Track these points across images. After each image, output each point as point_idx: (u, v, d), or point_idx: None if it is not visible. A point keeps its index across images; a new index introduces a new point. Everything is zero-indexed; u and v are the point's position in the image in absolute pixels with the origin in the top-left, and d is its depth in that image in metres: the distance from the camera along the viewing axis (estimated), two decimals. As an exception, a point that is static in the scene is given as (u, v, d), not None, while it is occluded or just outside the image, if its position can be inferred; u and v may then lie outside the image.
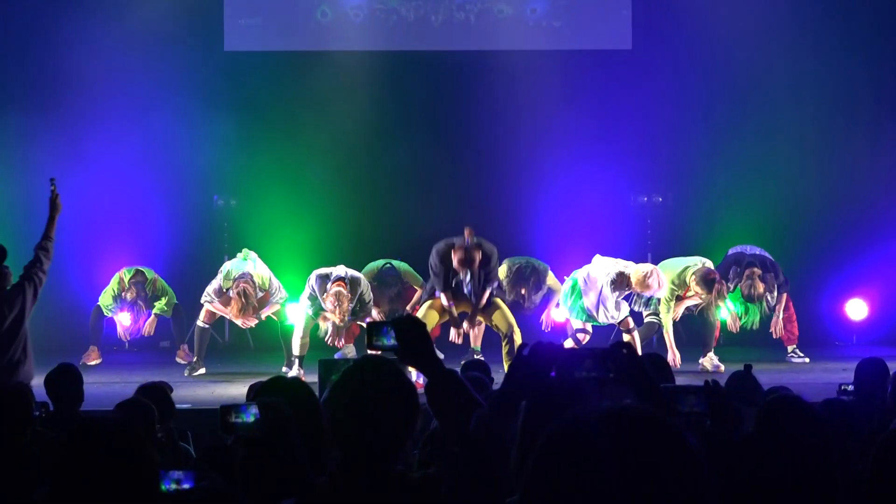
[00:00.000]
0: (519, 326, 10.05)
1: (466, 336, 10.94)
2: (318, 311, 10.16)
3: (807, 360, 11.09)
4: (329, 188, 12.66)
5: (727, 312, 10.95)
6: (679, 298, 10.66)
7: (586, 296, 10.17)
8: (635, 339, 10.09)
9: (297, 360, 10.21)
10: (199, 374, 10.60)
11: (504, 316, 9.95)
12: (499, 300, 10.02)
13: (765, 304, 10.99)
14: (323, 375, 7.59)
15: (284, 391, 3.68)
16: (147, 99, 12.54)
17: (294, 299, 10.88)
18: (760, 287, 10.93)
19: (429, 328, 9.05)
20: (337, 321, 9.99)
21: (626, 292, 10.18)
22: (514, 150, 12.79)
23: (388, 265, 11.22)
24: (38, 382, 6.93)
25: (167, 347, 12.21)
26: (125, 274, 11.43)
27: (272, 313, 10.89)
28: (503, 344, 9.88)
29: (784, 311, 11.16)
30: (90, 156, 12.53)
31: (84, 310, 11.76)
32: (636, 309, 10.78)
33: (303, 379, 7.02)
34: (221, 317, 11.04)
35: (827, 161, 12.82)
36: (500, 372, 8.52)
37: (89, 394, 7.09)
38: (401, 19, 13.24)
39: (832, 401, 5.57)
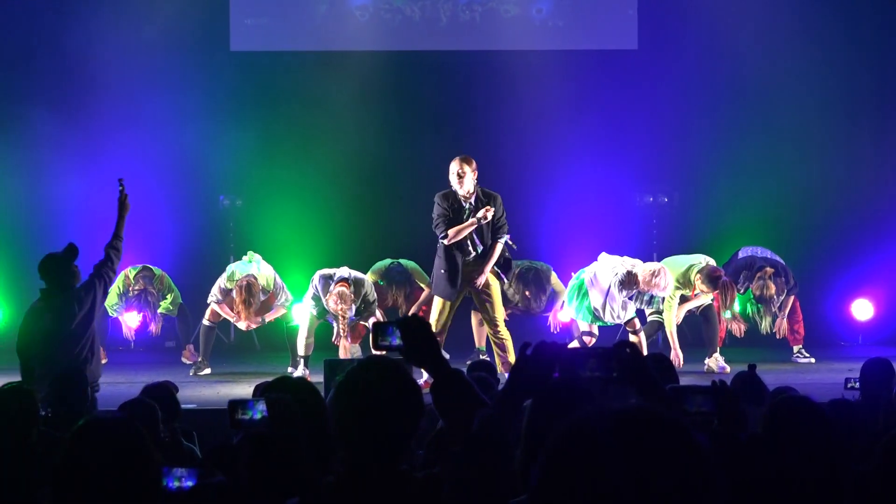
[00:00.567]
0: (525, 328, 10.01)
1: (471, 335, 10.93)
2: (323, 311, 10.16)
3: (812, 360, 11.08)
4: (335, 188, 12.66)
5: (731, 314, 10.95)
6: (684, 298, 10.65)
7: (592, 295, 10.13)
8: (642, 340, 10.07)
9: (302, 360, 10.22)
10: (205, 374, 10.61)
11: (493, 308, 9.53)
12: (495, 290, 9.59)
13: (773, 305, 11.00)
14: (328, 375, 7.61)
15: (290, 391, 3.69)
16: (153, 99, 12.55)
17: (299, 300, 10.88)
18: (773, 288, 10.94)
19: (438, 327, 9.07)
20: (340, 321, 9.97)
21: (634, 291, 10.16)
22: (520, 150, 12.79)
23: (396, 263, 11.24)
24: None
25: (173, 347, 12.22)
26: (130, 272, 11.43)
27: (277, 317, 10.90)
28: (491, 330, 9.54)
29: (791, 312, 11.16)
30: (95, 155, 12.54)
31: (90, 310, 11.75)
32: (638, 306, 10.77)
33: (308, 379, 7.02)
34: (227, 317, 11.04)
35: (832, 161, 12.80)
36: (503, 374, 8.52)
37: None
38: (406, 19, 13.24)
39: (838, 401, 5.56)
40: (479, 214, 9.21)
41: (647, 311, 10.89)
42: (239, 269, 10.80)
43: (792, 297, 11.15)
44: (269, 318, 10.88)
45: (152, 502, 3.10)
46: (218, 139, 12.73)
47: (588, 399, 2.80)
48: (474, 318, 10.89)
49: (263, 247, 11.53)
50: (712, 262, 10.71)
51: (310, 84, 12.83)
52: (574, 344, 10.24)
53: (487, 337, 10.48)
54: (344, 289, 9.95)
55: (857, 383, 6.56)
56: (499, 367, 9.04)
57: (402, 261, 11.40)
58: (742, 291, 11.09)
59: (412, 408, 2.94)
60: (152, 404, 5.36)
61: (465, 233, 9.27)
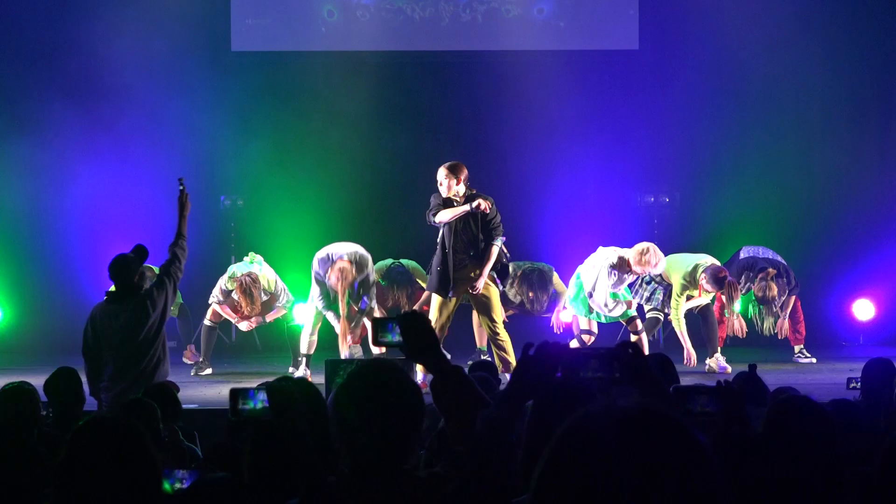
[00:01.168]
0: (527, 329, 9.98)
1: (472, 336, 10.93)
2: (328, 297, 10.05)
3: (813, 360, 11.08)
4: (336, 187, 12.66)
5: (733, 313, 10.94)
6: (688, 297, 10.66)
7: (585, 284, 10.16)
8: (643, 340, 10.07)
9: (304, 360, 10.20)
10: (206, 374, 10.61)
11: (492, 311, 9.40)
12: (494, 294, 9.50)
13: (775, 306, 11.00)
14: (329, 376, 7.61)
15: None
16: (154, 98, 12.54)
17: (301, 300, 10.88)
18: (775, 289, 10.94)
19: (437, 326, 9.05)
20: (339, 297, 9.90)
21: (629, 278, 10.14)
22: (521, 150, 12.79)
23: (398, 263, 11.24)
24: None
25: (174, 348, 12.20)
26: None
27: (277, 318, 10.89)
28: (491, 333, 9.40)
29: (792, 312, 11.16)
30: (94, 156, 12.55)
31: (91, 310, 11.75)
32: (640, 302, 10.78)
33: (309, 379, 7.02)
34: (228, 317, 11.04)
35: (834, 161, 12.80)
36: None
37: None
38: (407, 19, 13.24)
39: (840, 401, 5.56)
40: (475, 204, 9.15)
41: (647, 308, 10.89)
42: (240, 269, 10.81)
43: (793, 298, 11.16)
44: (269, 318, 10.88)
45: (152, 502, 3.10)
46: (219, 139, 12.73)
47: (590, 400, 2.79)
48: (475, 319, 10.89)
49: (264, 247, 11.53)
50: (716, 261, 10.71)
51: (311, 84, 12.83)
52: (574, 343, 10.24)
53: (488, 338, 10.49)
54: (345, 264, 9.92)
55: (859, 383, 6.56)
56: (499, 369, 9.02)
57: (404, 261, 11.40)
58: (744, 292, 11.10)
59: (413, 409, 2.94)
60: (153, 404, 5.36)
61: (457, 214, 9.18)
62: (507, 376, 6.87)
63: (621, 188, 12.84)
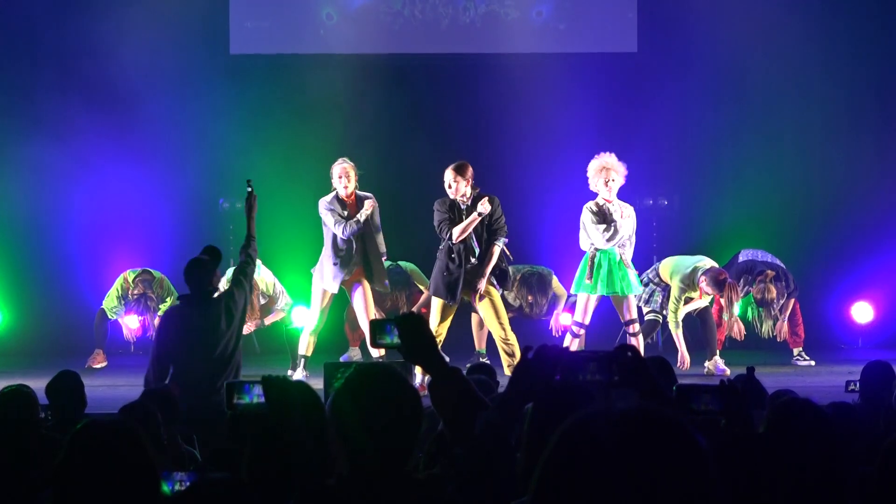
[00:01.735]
0: (526, 332, 9.97)
1: (471, 338, 10.93)
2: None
3: (812, 363, 11.08)
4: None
5: (732, 316, 10.95)
6: (687, 300, 10.66)
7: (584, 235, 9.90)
8: (639, 342, 10.05)
9: (302, 362, 10.17)
10: None
11: (496, 315, 9.42)
12: (496, 296, 9.54)
13: (774, 309, 11.00)
14: (328, 378, 7.60)
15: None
16: (152, 101, 12.54)
17: (299, 303, 10.88)
18: (774, 291, 10.94)
19: (437, 330, 9.05)
20: (344, 196, 9.82)
21: (612, 230, 9.88)
22: (519, 153, 12.79)
23: (396, 265, 11.25)
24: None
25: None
26: (129, 275, 11.43)
27: (276, 321, 10.88)
28: (499, 336, 9.38)
29: (791, 315, 11.16)
30: (95, 158, 12.55)
31: (91, 313, 11.76)
32: (639, 304, 10.78)
33: (306, 382, 7.00)
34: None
35: (832, 164, 12.80)
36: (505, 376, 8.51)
37: (95, 397, 7.09)
38: (406, 22, 13.24)
39: (839, 404, 5.56)
40: (479, 208, 9.20)
41: (645, 310, 10.88)
42: None
43: (792, 300, 11.17)
44: (268, 321, 10.88)
45: (151, 504, 3.10)
46: (217, 142, 12.73)
47: (590, 402, 2.80)
48: (474, 321, 10.90)
49: (262, 250, 11.46)
50: (715, 263, 10.71)
51: (310, 87, 12.82)
52: (567, 339, 10.15)
53: (488, 340, 10.49)
54: (345, 165, 9.84)
55: (857, 386, 6.56)
56: (506, 371, 9.00)
57: (402, 263, 11.42)
58: (743, 295, 11.10)
59: (412, 412, 2.93)
60: (152, 408, 5.36)
61: (470, 228, 9.25)
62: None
63: (620, 191, 12.81)
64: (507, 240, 9.46)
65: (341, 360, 10.75)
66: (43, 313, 12.72)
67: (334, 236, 9.81)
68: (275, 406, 3.24)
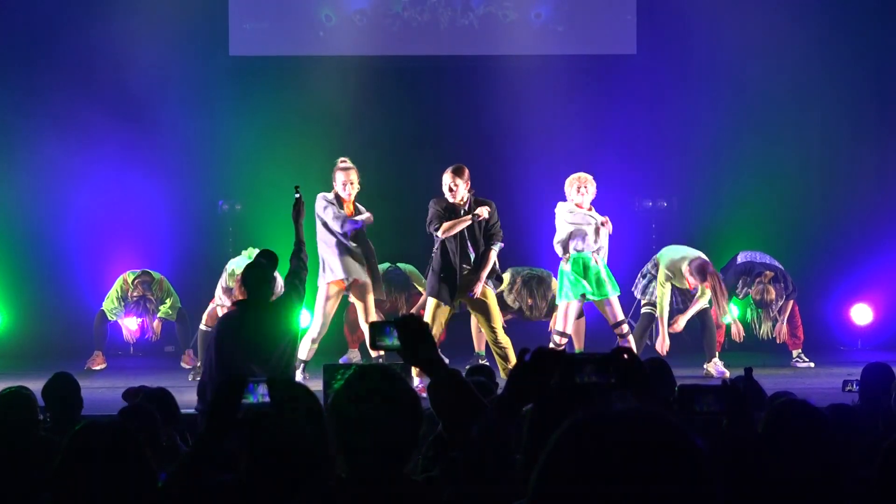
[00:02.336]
0: (524, 334, 9.96)
1: (470, 340, 10.93)
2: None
3: (811, 364, 11.08)
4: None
5: (731, 318, 10.94)
6: (683, 299, 10.68)
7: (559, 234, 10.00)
8: (632, 342, 10.02)
9: (301, 365, 10.15)
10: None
11: (491, 318, 9.41)
12: (491, 299, 9.51)
13: (772, 310, 11.00)
14: (327, 380, 7.59)
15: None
16: (152, 103, 12.54)
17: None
18: (773, 292, 10.95)
19: (435, 330, 9.05)
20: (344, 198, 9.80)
21: (579, 214, 10.02)
22: (518, 154, 12.79)
23: (394, 267, 11.25)
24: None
25: (172, 352, 12.21)
26: (129, 276, 11.42)
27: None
28: (491, 338, 9.38)
29: (790, 317, 11.16)
30: (95, 160, 12.55)
31: (90, 314, 11.75)
32: (636, 295, 10.77)
33: (306, 384, 6.99)
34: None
35: (832, 166, 12.81)
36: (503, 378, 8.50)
37: (94, 399, 7.09)
38: (405, 24, 13.24)
39: (838, 405, 5.56)
40: (477, 212, 9.20)
41: (643, 302, 10.85)
42: (238, 265, 10.77)
43: (791, 302, 11.17)
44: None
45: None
46: (217, 144, 12.73)
47: (587, 404, 2.80)
48: (474, 323, 10.89)
49: (262, 250, 11.50)
50: (707, 259, 10.70)
51: (308, 89, 12.83)
52: (553, 341, 10.14)
53: (487, 342, 10.48)
54: (351, 172, 9.81)
55: (855, 386, 6.56)
56: (502, 374, 9.00)
57: (401, 265, 11.42)
58: (742, 296, 11.10)
59: (411, 415, 2.94)
60: (152, 409, 5.36)
61: (459, 227, 9.25)
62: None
63: (619, 193, 12.83)
64: (502, 245, 9.47)
65: (340, 361, 10.76)
66: (42, 315, 12.71)
67: (336, 233, 9.79)
68: (280, 406, 3.24)
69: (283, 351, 7.27)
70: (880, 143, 12.96)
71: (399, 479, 2.90)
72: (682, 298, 10.81)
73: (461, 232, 9.29)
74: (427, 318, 9.31)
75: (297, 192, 8.08)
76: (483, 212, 9.21)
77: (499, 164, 12.54)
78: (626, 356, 3.02)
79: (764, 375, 8.55)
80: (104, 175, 12.57)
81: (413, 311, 10.96)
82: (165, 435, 5.38)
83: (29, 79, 12.75)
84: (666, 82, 12.90)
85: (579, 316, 10.61)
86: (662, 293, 10.53)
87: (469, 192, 9.34)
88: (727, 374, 10.27)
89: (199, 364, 10.73)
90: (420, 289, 11.11)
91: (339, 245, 9.79)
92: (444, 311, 9.36)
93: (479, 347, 10.85)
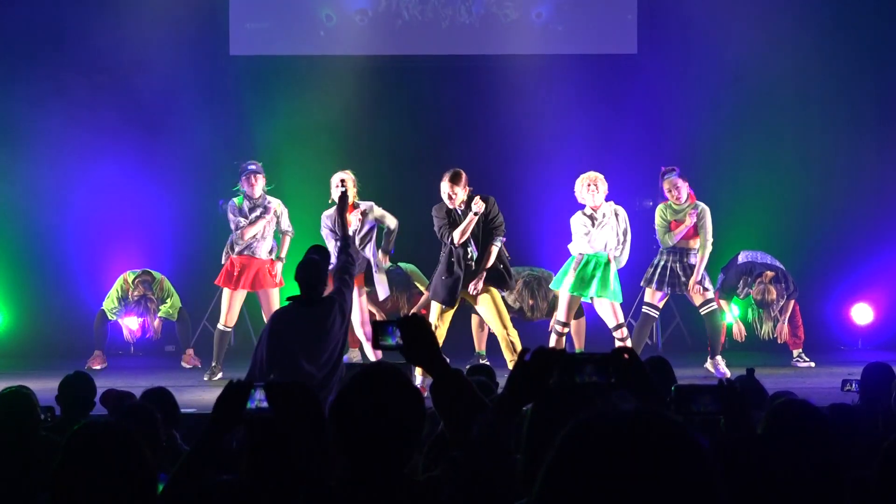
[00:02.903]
0: (524, 334, 9.96)
1: (471, 339, 10.93)
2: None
3: (812, 364, 11.08)
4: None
5: (732, 318, 10.94)
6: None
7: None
8: (630, 345, 10.03)
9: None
10: (219, 379, 10.42)
11: (498, 315, 9.44)
12: (497, 296, 9.53)
13: (773, 310, 11.00)
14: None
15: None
16: (152, 102, 12.55)
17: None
18: (773, 292, 10.94)
19: (441, 331, 9.05)
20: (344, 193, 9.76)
21: (589, 213, 10.08)
22: (519, 154, 12.80)
23: (396, 266, 11.25)
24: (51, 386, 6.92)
25: (172, 352, 12.21)
26: (129, 276, 11.42)
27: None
28: (501, 334, 9.38)
29: (791, 317, 11.16)
30: (93, 159, 12.55)
31: (91, 314, 11.76)
32: (642, 285, 10.76)
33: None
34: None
35: (833, 166, 12.81)
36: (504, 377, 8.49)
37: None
38: (405, 24, 13.24)
39: (838, 405, 5.56)
40: (474, 208, 9.20)
41: (645, 302, 10.83)
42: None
43: (792, 302, 11.17)
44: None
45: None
46: (216, 144, 12.73)
47: (589, 404, 2.80)
48: (474, 322, 10.90)
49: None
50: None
51: (309, 88, 12.83)
52: (554, 330, 10.14)
53: (488, 341, 10.50)
54: (343, 175, 9.77)
55: (854, 386, 6.56)
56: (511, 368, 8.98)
57: (402, 264, 11.42)
58: (743, 296, 11.10)
59: (413, 414, 2.93)
60: (152, 409, 5.35)
61: (470, 229, 9.27)
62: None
63: (619, 192, 12.81)
64: (504, 239, 9.47)
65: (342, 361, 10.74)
66: (43, 314, 12.72)
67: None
68: (278, 411, 3.24)
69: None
70: (881, 144, 12.96)
71: (400, 480, 2.89)
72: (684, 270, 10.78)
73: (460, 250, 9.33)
74: (433, 319, 9.31)
75: (343, 186, 7.96)
76: (480, 205, 9.21)
77: (499, 163, 12.55)
78: (626, 356, 3.02)
79: (765, 375, 8.54)
80: (104, 175, 12.57)
81: (414, 310, 10.97)
82: (165, 435, 5.38)
83: (29, 79, 12.74)
84: (666, 82, 12.90)
85: (579, 316, 10.61)
86: (663, 235, 10.58)
87: (467, 191, 9.34)
88: (728, 373, 10.27)
89: (214, 364, 10.57)
90: (421, 288, 11.12)
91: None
92: (449, 311, 9.36)
93: (479, 347, 10.86)
